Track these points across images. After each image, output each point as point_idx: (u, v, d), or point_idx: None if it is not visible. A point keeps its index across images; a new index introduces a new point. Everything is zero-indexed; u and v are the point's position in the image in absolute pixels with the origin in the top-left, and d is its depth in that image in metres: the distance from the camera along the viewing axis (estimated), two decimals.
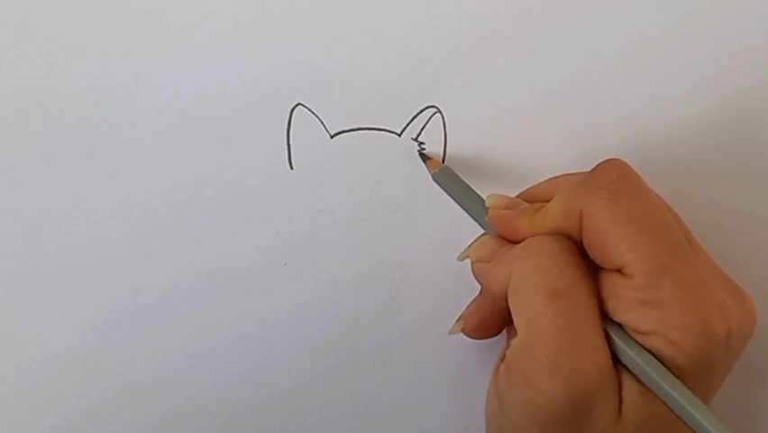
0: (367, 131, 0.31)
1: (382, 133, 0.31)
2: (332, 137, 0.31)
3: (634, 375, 0.23)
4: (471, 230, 0.30)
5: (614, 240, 0.23)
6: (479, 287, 0.29)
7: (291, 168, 0.31)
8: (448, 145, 0.31)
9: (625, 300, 0.23)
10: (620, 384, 0.23)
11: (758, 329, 0.26)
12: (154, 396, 0.32)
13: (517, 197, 0.29)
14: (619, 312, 0.23)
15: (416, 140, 0.31)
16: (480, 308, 0.28)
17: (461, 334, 0.29)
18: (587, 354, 0.23)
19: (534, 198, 0.27)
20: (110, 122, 0.31)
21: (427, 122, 0.31)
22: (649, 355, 0.23)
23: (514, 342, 0.24)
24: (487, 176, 0.30)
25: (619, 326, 0.24)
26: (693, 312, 0.22)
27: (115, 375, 0.32)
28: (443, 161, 0.31)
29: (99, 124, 0.31)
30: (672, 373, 0.22)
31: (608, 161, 0.25)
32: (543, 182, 0.29)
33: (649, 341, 0.23)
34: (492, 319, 0.28)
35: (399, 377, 0.32)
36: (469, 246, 0.28)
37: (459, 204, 0.29)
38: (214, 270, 0.32)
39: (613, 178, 0.24)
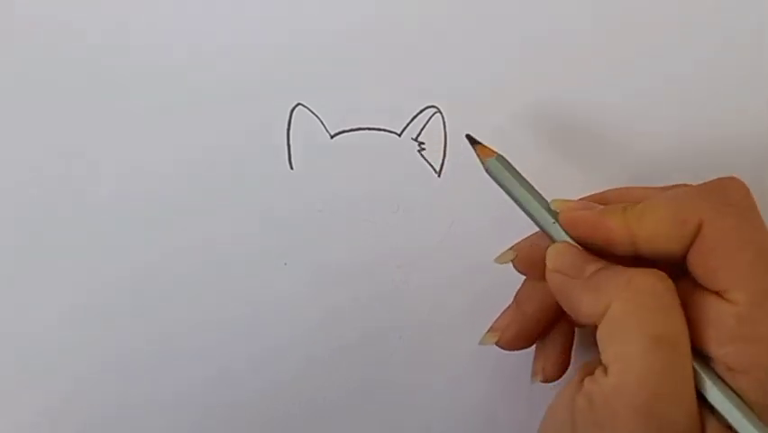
0: (367, 131, 0.31)
1: (382, 133, 0.31)
2: (332, 137, 0.31)
3: (717, 418, 0.22)
4: (472, 230, 0.30)
5: (734, 260, 0.22)
6: (478, 288, 0.29)
7: (291, 168, 0.31)
8: (448, 145, 0.31)
9: (722, 331, 0.22)
10: (704, 426, 0.22)
11: None
12: (154, 394, 0.32)
13: (593, 197, 0.27)
14: (714, 345, 0.22)
15: (415, 140, 0.31)
16: (516, 321, 0.27)
17: (481, 342, 0.28)
18: (682, 404, 0.22)
19: (602, 203, 0.26)
20: (109, 122, 0.31)
21: (427, 122, 0.31)
22: (737, 397, 0.22)
23: (603, 380, 0.23)
24: (487, 176, 0.30)
25: (706, 361, 0.23)
26: None
27: (116, 375, 0.32)
28: (443, 161, 0.31)
29: (98, 125, 0.31)
30: (756, 416, 0.22)
31: (733, 179, 0.24)
32: (610, 190, 0.27)
33: (737, 379, 0.22)
34: (530, 331, 0.27)
35: (399, 377, 0.32)
36: (512, 248, 0.27)
37: (517, 202, 0.26)
38: (214, 269, 0.32)
39: (742, 196, 0.23)
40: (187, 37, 0.31)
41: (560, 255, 0.25)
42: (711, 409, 0.22)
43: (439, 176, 0.31)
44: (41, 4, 0.31)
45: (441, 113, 0.31)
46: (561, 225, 0.25)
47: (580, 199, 0.27)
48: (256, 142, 0.31)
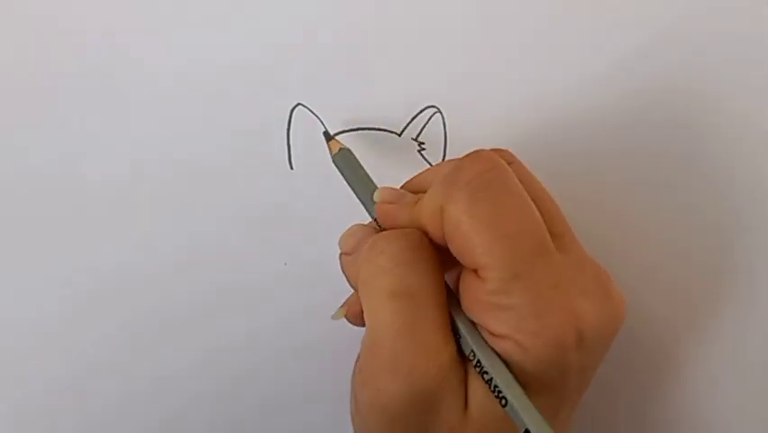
0: (367, 131, 0.31)
1: (382, 133, 0.31)
2: (332, 137, 0.31)
3: (481, 376, 0.23)
4: None
5: (470, 243, 0.23)
6: None
7: (291, 168, 0.31)
8: (448, 145, 0.31)
9: (478, 302, 0.23)
10: (467, 383, 0.23)
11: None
12: (155, 394, 0.32)
13: (403, 186, 0.28)
14: (474, 312, 0.23)
15: (415, 140, 0.31)
16: None
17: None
18: (428, 352, 0.23)
19: (420, 188, 0.27)
20: (110, 122, 0.31)
21: (427, 122, 0.31)
22: (494, 358, 0.23)
23: (363, 341, 0.24)
24: None
25: (473, 324, 0.24)
26: (543, 318, 0.22)
27: (116, 375, 0.32)
28: (443, 161, 0.31)
29: (98, 125, 0.31)
30: (516, 377, 0.22)
31: (473, 154, 0.24)
32: (426, 170, 0.28)
33: (501, 344, 0.23)
34: None
35: None
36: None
37: (354, 191, 0.28)
38: (215, 269, 0.32)
39: (474, 175, 0.23)
40: (187, 37, 0.31)
41: (347, 237, 0.27)
42: (476, 367, 0.23)
43: None
44: (41, 4, 0.31)
45: (441, 113, 0.31)
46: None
47: (407, 182, 0.28)
48: (256, 142, 0.31)
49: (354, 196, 0.28)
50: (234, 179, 0.31)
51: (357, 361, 0.25)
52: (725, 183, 0.31)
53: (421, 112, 0.31)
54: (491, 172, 0.23)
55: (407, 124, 0.31)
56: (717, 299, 0.31)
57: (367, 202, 0.27)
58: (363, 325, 0.27)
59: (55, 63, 0.31)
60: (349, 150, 0.29)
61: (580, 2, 0.30)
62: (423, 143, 0.31)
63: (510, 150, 0.28)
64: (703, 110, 0.31)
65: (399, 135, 0.31)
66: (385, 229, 0.26)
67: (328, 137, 0.30)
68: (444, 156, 0.31)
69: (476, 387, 0.23)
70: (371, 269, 0.24)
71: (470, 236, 0.23)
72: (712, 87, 0.31)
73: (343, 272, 0.27)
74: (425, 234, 0.25)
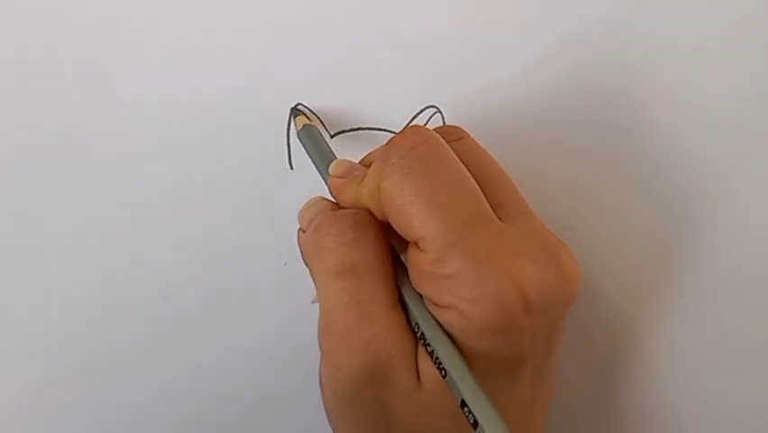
0: (367, 131, 0.31)
1: (382, 133, 0.31)
2: (332, 137, 0.31)
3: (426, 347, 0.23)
4: None
5: (404, 216, 0.23)
6: None
7: (291, 168, 0.31)
8: None
9: (421, 274, 0.23)
10: (417, 354, 0.24)
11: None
12: (155, 394, 0.32)
13: (361, 161, 0.28)
14: (418, 285, 0.24)
15: None
16: None
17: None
18: (375, 325, 0.23)
19: (371, 163, 0.27)
20: (110, 122, 0.31)
21: (427, 122, 0.31)
22: (436, 329, 0.23)
23: (318, 322, 0.25)
24: None
25: (420, 297, 0.24)
26: (482, 285, 0.22)
27: (117, 375, 0.32)
28: None
29: (98, 124, 0.31)
30: (458, 348, 0.23)
31: (406, 130, 0.25)
32: (381, 147, 0.28)
33: (445, 314, 0.23)
34: None
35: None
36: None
37: (315, 167, 0.29)
38: (215, 269, 0.32)
39: (405, 150, 0.23)
40: (187, 37, 0.31)
41: (303, 213, 0.27)
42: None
43: None
44: (41, 5, 0.31)
45: (441, 113, 0.31)
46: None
47: (363, 158, 0.28)
48: (256, 142, 0.31)
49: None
50: (234, 179, 0.31)
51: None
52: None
53: (421, 112, 0.31)
54: (422, 146, 0.24)
55: (407, 125, 0.31)
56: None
57: (326, 177, 0.28)
58: None
59: (54, 64, 0.31)
60: (314, 126, 0.29)
61: (582, 3, 0.30)
62: None
63: (510, 150, 0.28)
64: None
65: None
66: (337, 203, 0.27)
67: (295, 113, 0.30)
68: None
69: (426, 359, 0.23)
70: (317, 251, 0.25)
71: (405, 210, 0.23)
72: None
73: (299, 248, 0.27)
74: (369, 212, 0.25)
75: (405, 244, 0.25)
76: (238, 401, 0.32)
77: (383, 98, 0.31)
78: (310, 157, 0.29)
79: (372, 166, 0.25)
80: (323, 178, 0.28)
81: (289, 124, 0.31)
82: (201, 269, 0.32)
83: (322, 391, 0.25)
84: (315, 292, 0.28)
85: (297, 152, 0.31)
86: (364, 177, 0.25)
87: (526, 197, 0.26)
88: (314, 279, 0.25)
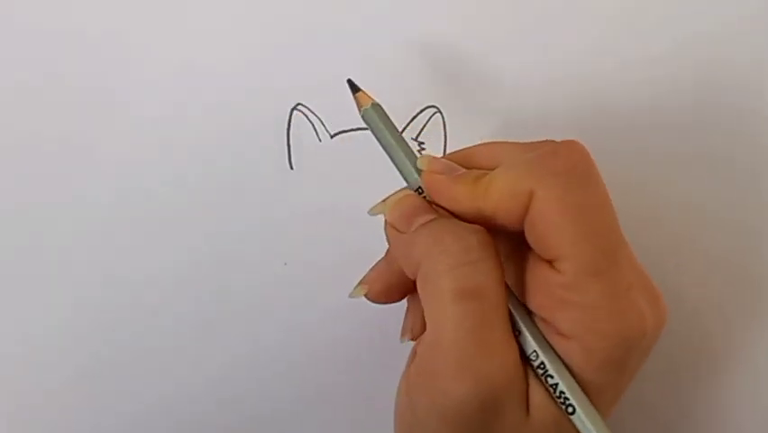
0: (367, 131, 0.31)
1: None
2: (332, 137, 0.31)
3: (540, 378, 0.23)
4: None
5: (559, 231, 0.22)
6: None
7: (291, 168, 0.31)
8: (448, 145, 0.31)
9: (551, 297, 0.22)
10: (528, 384, 0.23)
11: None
12: (156, 397, 0.32)
13: (447, 157, 0.26)
14: (543, 307, 0.23)
15: (415, 140, 0.31)
16: (384, 274, 0.27)
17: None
18: (495, 355, 0.22)
19: (469, 163, 0.26)
20: (110, 122, 0.31)
21: (427, 122, 0.31)
22: (557, 361, 0.22)
23: (423, 339, 0.23)
24: None
25: (534, 322, 0.23)
26: (615, 320, 0.22)
27: (117, 379, 0.32)
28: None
29: (99, 124, 0.31)
30: (576, 380, 0.22)
31: (569, 143, 0.24)
32: (479, 145, 0.27)
33: (565, 344, 0.22)
34: (399, 286, 0.26)
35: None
36: (385, 199, 0.26)
37: (387, 153, 0.26)
38: (214, 269, 0.32)
39: (572, 164, 0.23)
40: (188, 37, 0.31)
41: (396, 208, 0.25)
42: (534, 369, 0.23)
43: None
44: (42, 7, 0.31)
45: (441, 113, 0.31)
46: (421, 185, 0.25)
47: (450, 155, 0.27)
48: (256, 142, 0.31)
49: (391, 162, 0.26)
50: (234, 179, 0.31)
51: (410, 363, 0.25)
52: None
53: (421, 112, 0.31)
54: (585, 162, 0.23)
55: (407, 124, 0.31)
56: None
57: (405, 169, 0.26)
58: (384, 302, 0.27)
59: (54, 64, 0.31)
60: (380, 105, 0.27)
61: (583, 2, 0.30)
62: (423, 143, 0.31)
63: None
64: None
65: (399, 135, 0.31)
66: (431, 201, 0.25)
67: (355, 89, 0.27)
68: (444, 156, 0.31)
69: (537, 389, 0.23)
70: (435, 267, 0.23)
71: (559, 224, 0.22)
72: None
73: (389, 244, 0.26)
74: (490, 215, 0.24)
75: (517, 262, 0.24)
76: (238, 404, 0.32)
77: (383, 98, 0.31)
78: (380, 142, 0.26)
79: (518, 170, 0.23)
80: (399, 167, 0.26)
81: (289, 124, 0.31)
82: (201, 269, 0.32)
83: (412, 414, 0.24)
84: (356, 284, 0.27)
85: (296, 153, 0.31)
86: (477, 176, 0.24)
87: None
88: (424, 291, 0.23)
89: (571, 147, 0.23)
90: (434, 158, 0.26)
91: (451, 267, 0.23)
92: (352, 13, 0.31)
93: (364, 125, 0.30)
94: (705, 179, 0.31)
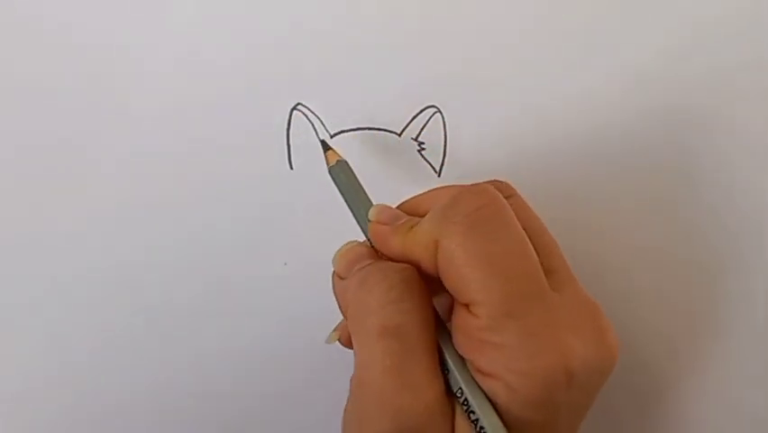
0: (367, 131, 0.31)
1: (382, 133, 0.31)
2: (332, 137, 0.31)
3: (466, 413, 0.23)
4: None
5: (464, 279, 0.22)
6: None
7: (291, 168, 0.31)
8: (448, 145, 0.31)
9: (470, 339, 0.23)
10: (455, 421, 0.23)
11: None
12: (154, 393, 0.32)
13: (400, 206, 0.27)
14: (464, 349, 0.23)
15: (415, 140, 0.31)
16: None
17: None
18: (415, 391, 0.22)
19: (416, 210, 0.26)
20: (110, 122, 0.31)
21: (427, 122, 0.31)
22: (481, 397, 0.23)
23: (352, 377, 0.24)
24: (487, 176, 0.30)
25: (463, 360, 0.23)
26: (534, 359, 0.22)
27: (115, 374, 0.32)
28: (443, 161, 0.31)
29: (99, 125, 0.31)
30: (502, 418, 0.22)
31: (473, 187, 0.24)
32: (425, 193, 0.27)
33: (489, 382, 0.22)
34: None
35: None
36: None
37: (349, 207, 0.28)
38: (214, 269, 0.32)
39: (472, 209, 0.23)
40: (188, 36, 0.31)
41: (342, 258, 0.26)
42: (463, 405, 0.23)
43: (439, 176, 0.31)
44: (42, 5, 0.31)
45: (441, 113, 0.31)
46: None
47: (405, 201, 0.27)
48: (256, 142, 0.31)
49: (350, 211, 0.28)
50: (235, 179, 0.31)
51: (349, 395, 0.25)
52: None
53: (421, 112, 0.31)
54: (489, 207, 0.23)
55: (407, 124, 0.31)
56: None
57: (361, 219, 0.27)
58: None
59: (54, 64, 0.31)
60: (346, 162, 0.28)
61: (580, 2, 0.30)
62: (423, 143, 0.31)
63: (510, 150, 0.28)
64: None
65: (399, 135, 0.31)
66: (376, 249, 0.26)
67: (326, 147, 0.29)
68: (444, 156, 0.31)
69: (462, 425, 0.23)
70: (360, 307, 0.24)
71: (465, 272, 0.22)
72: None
73: (335, 295, 0.27)
74: (417, 264, 0.24)
75: (448, 302, 0.24)
76: (237, 401, 0.32)
77: (383, 98, 0.31)
78: (343, 195, 0.28)
79: (430, 219, 0.24)
80: (356, 217, 0.27)
81: (289, 124, 0.31)
82: (201, 269, 0.32)
83: None
84: (331, 331, 0.27)
85: (296, 153, 0.31)
86: (412, 225, 0.25)
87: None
88: (352, 331, 0.24)
89: (473, 192, 0.24)
90: (383, 208, 0.26)
91: (374, 307, 0.23)
92: (351, 12, 0.31)
93: (365, 125, 0.30)
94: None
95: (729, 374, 0.31)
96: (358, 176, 0.28)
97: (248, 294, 0.32)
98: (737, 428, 0.32)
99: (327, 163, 0.29)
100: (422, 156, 0.31)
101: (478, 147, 0.31)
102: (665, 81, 0.31)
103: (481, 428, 0.22)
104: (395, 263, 0.25)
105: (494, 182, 0.27)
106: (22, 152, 0.31)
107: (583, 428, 0.24)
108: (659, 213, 0.31)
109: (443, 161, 0.31)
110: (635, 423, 0.32)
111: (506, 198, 0.25)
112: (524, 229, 0.24)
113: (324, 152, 0.29)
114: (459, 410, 0.23)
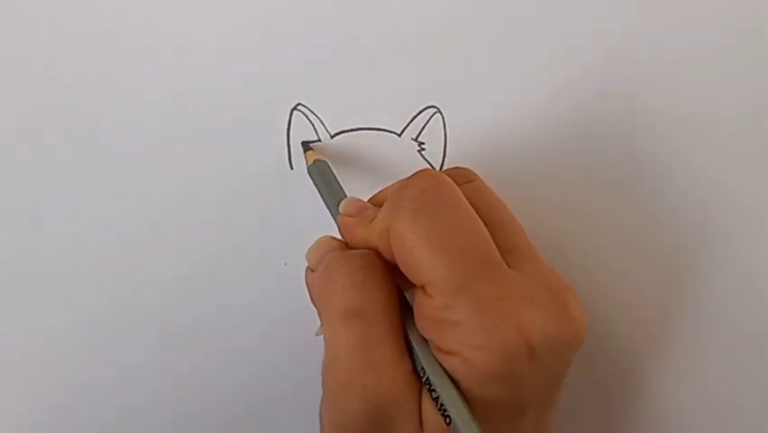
0: (367, 131, 0.31)
1: (382, 133, 0.31)
2: (332, 137, 0.31)
3: (431, 393, 0.23)
4: None
5: (414, 260, 0.23)
6: None
7: (291, 168, 0.31)
8: (448, 145, 0.31)
9: (427, 319, 0.23)
10: (421, 400, 0.23)
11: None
12: (154, 392, 0.32)
13: (370, 199, 0.28)
14: (424, 329, 0.24)
15: (415, 140, 0.31)
16: None
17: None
18: (380, 370, 0.23)
19: (383, 202, 0.27)
20: (110, 122, 0.31)
21: (427, 122, 0.31)
22: (442, 375, 0.23)
23: (323, 361, 0.24)
24: (486, 176, 0.30)
25: (426, 341, 0.24)
26: (488, 332, 0.22)
27: (117, 373, 0.32)
28: (443, 161, 0.31)
29: (100, 125, 0.31)
30: (462, 394, 0.22)
31: (417, 173, 0.25)
32: (390, 186, 0.28)
33: (449, 360, 0.23)
34: None
35: None
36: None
37: (325, 204, 0.29)
38: (214, 269, 0.32)
39: (417, 193, 0.24)
40: (187, 36, 0.31)
41: (314, 252, 0.27)
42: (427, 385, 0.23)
43: None
44: (40, 9, 0.31)
45: (441, 113, 0.31)
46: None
47: (377, 193, 0.28)
48: (256, 142, 0.31)
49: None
50: (234, 179, 0.31)
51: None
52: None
53: (421, 112, 0.31)
54: (434, 189, 0.24)
55: (407, 124, 0.31)
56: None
57: (335, 214, 0.28)
58: None
59: (54, 64, 0.31)
60: (326, 162, 0.29)
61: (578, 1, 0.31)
62: (423, 143, 0.31)
63: (510, 150, 0.28)
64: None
65: (399, 135, 0.31)
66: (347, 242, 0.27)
67: (306, 148, 0.30)
68: (444, 156, 0.31)
69: (429, 404, 0.23)
70: (325, 292, 0.25)
71: (414, 253, 0.23)
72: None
73: (307, 287, 0.27)
74: (379, 252, 0.25)
75: (412, 286, 0.25)
76: (238, 402, 0.32)
77: (383, 98, 0.31)
78: (320, 193, 0.29)
79: (383, 207, 0.25)
80: (332, 215, 0.28)
81: (289, 124, 0.31)
82: (201, 269, 0.32)
83: (321, 428, 0.25)
84: (320, 324, 0.27)
85: (296, 153, 0.31)
86: (374, 217, 0.25)
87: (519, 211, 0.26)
88: (321, 318, 0.25)
89: (417, 177, 0.25)
90: (352, 201, 0.27)
91: (336, 292, 0.24)
92: (351, 12, 0.31)
93: (365, 125, 0.31)
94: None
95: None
96: (358, 176, 0.28)
97: (248, 294, 0.32)
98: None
99: (306, 163, 0.30)
100: (422, 156, 0.31)
101: (478, 147, 0.31)
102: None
103: (442, 404, 0.22)
104: (357, 251, 0.25)
105: (456, 168, 0.27)
106: (20, 145, 0.31)
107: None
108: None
109: (443, 161, 0.31)
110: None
111: (467, 182, 0.26)
112: (484, 210, 0.24)
113: (304, 152, 0.30)
114: (425, 391, 0.23)
